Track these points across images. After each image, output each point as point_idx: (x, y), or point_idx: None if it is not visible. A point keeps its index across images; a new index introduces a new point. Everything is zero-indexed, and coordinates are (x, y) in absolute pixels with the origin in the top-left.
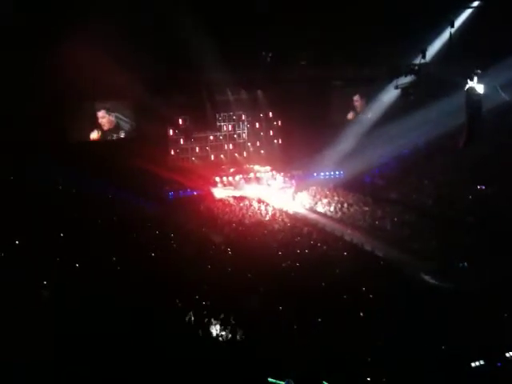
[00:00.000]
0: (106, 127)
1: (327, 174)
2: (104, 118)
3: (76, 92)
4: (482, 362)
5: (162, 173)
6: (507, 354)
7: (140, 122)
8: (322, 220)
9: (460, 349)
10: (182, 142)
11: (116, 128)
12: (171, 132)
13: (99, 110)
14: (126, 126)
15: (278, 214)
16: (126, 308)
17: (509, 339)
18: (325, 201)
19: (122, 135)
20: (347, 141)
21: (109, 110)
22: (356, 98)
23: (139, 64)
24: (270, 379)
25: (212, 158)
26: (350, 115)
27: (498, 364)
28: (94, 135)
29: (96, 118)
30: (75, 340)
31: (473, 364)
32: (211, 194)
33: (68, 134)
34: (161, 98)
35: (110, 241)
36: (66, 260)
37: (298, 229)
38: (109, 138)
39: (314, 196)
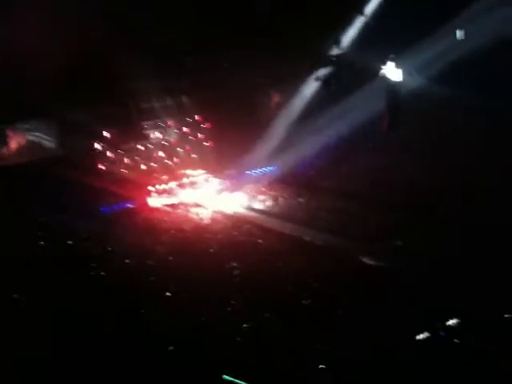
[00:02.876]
0: (26, 148)
1: (261, 170)
2: (24, 139)
3: None
4: (426, 334)
5: (92, 187)
6: (449, 322)
7: (65, 139)
8: (260, 216)
9: (402, 325)
10: (109, 154)
11: (38, 148)
12: (98, 146)
13: (19, 131)
14: (50, 145)
15: (216, 217)
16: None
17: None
18: (261, 197)
19: (46, 155)
20: (277, 136)
21: (29, 131)
22: (280, 93)
23: (59, 78)
24: (225, 377)
25: (143, 167)
26: (276, 110)
27: (442, 334)
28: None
29: (16, 141)
30: None
31: (417, 337)
32: (146, 204)
33: None
34: (84, 112)
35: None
36: None
37: (237, 228)
38: (32, 158)
39: (250, 194)
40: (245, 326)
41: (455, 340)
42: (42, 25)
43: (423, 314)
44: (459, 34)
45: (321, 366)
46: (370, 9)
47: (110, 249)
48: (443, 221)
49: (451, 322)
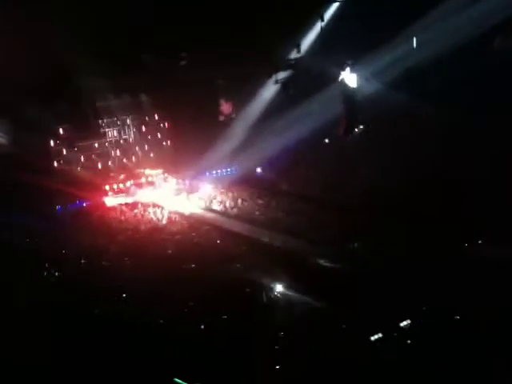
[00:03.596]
0: None
1: (220, 171)
2: None
3: None
4: (379, 335)
5: (47, 187)
6: (401, 324)
7: (17, 135)
8: (219, 218)
9: (358, 325)
10: (64, 152)
11: None
12: (52, 143)
13: None
14: (2, 142)
15: (174, 217)
16: None
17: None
18: (220, 198)
19: None
20: (236, 137)
21: None
22: (239, 94)
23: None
24: (176, 379)
25: (99, 166)
26: (236, 112)
27: (394, 334)
28: None
29: None
30: None
31: (372, 338)
32: (102, 204)
33: None
34: (39, 108)
35: None
36: None
37: (195, 229)
38: None
39: (209, 195)
40: (202, 327)
41: (408, 341)
42: None
43: (377, 316)
44: (415, 41)
45: (277, 366)
46: (329, 14)
47: (64, 251)
48: (398, 222)
49: (404, 323)
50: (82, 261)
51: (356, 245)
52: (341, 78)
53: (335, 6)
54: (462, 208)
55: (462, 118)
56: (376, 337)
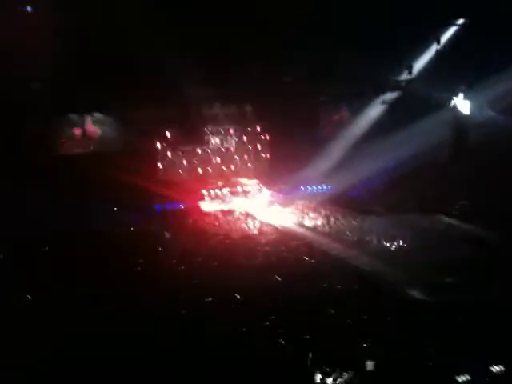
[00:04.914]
0: (92, 139)
1: (314, 188)
2: (91, 129)
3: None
4: (468, 377)
5: (150, 186)
6: (492, 369)
7: (127, 135)
8: (309, 234)
9: (446, 365)
10: (169, 155)
11: (102, 141)
12: (159, 145)
13: (86, 122)
14: (113, 139)
15: (264, 228)
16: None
17: (494, 353)
18: (312, 215)
19: (109, 148)
20: (334, 155)
21: (95, 123)
22: (342, 112)
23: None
24: None
25: (200, 171)
26: (337, 131)
27: (486, 379)
28: (79, 148)
29: (84, 131)
30: None
31: (459, 379)
32: (198, 208)
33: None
34: (148, 111)
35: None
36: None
37: (284, 243)
38: (95, 150)
39: (301, 210)
40: (279, 343)
41: None
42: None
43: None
44: None
45: None
46: (445, 37)
47: (159, 248)
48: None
49: (496, 368)
50: (174, 261)
51: (450, 279)
52: (453, 103)
53: (453, 29)
54: None
55: None
56: (463, 378)
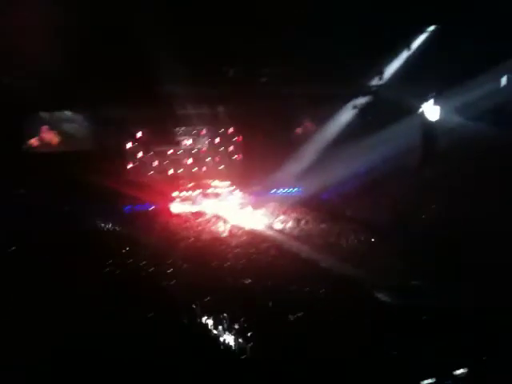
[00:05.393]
0: (60, 139)
1: (286, 190)
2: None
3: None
4: (431, 381)
5: (119, 187)
6: (456, 372)
7: (97, 135)
8: (280, 237)
9: (409, 367)
10: (140, 155)
11: (71, 140)
12: (130, 145)
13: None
14: (82, 139)
15: (235, 231)
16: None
17: (458, 357)
18: (282, 217)
19: (78, 147)
20: (306, 158)
21: (63, 122)
22: (315, 116)
23: (98, 76)
24: None
25: (171, 172)
26: (309, 133)
27: (448, 382)
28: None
29: (52, 129)
30: None
31: (422, 383)
32: (169, 209)
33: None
34: (119, 111)
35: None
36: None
37: (255, 245)
38: (64, 149)
39: (272, 212)
40: (249, 345)
41: None
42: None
43: (433, 359)
44: (504, 79)
45: None
46: (416, 44)
47: (127, 248)
48: (466, 260)
49: (459, 371)
50: (144, 262)
51: (415, 281)
52: (422, 109)
53: (424, 36)
54: None
55: None
56: (428, 381)
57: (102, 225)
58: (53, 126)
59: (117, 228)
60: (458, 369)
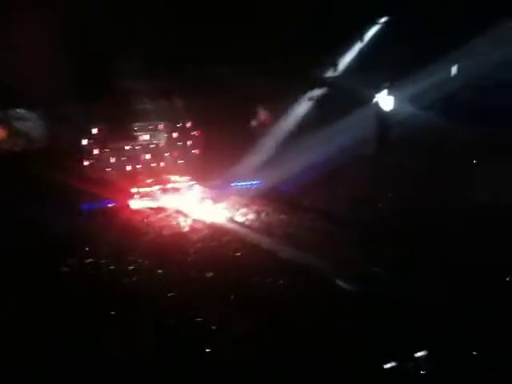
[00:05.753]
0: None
1: (245, 183)
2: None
3: None
4: (393, 364)
5: (75, 184)
6: (417, 355)
7: (52, 132)
8: (241, 229)
9: (372, 351)
10: (96, 151)
11: (25, 137)
12: (85, 141)
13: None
14: (37, 136)
15: (196, 225)
16: None
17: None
18: (243, 210)
19: (33, 145)
20: (264, 151)
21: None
22: (273, 109)
23: (51, 71)
24: None
25: (129, 168)
26: (266, 126)
27: (409, 365)
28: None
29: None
30: None
31: (385, 366)
32: (128, 206)
33: None
34: (74, 107)
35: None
36: None
37: (216, 239)
38: (16, 147)
39: (233, 206)
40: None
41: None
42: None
43: (393, 344)
44: (455, 69)
45: None
46: (368, 35)
47: (86, 248)
48: (421, 247)
49: (419, 354)
50: (103, 260)
51: (374, 268)
52: (376, 99)
53: (376, 27)
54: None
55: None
56: (389, 365)
57: (61, 223)
58: (5, 124)
59: (75, 226)
60: (419, 351)
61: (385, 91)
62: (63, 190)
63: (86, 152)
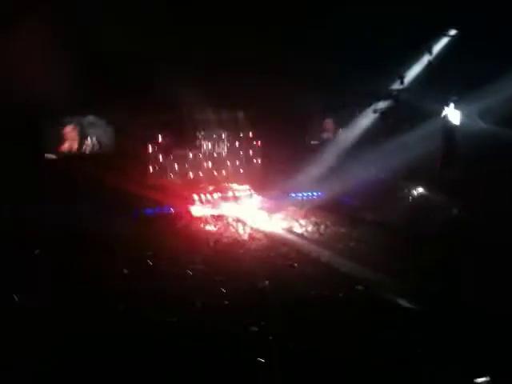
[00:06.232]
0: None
1: (305, 194)
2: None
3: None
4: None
5: (140, 190)
6: (478, 380)
7: (118, 138)
8: (300, 241)
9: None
10: (161, 159)
11: (94, 143)
12: (151, 149)
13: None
14: (105, 142)
15: (254, 234)
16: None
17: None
18: (302, 221)
19: (101, 151)
20: (326, 162)
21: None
22: (335, 120)
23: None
24: None
25: (191, 175)
26: (330, 137)
27: None
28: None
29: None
30: None
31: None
32: (189, 212)
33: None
34: (141, 116)
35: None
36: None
37: (274, 249)
38: (86, 153)
39: (292, 216)
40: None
41: None
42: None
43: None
44: None
45: None
46: (438, 48)
47: (150, 253)
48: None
49: (481, 380)
50: (165, 264)
51: (435, 287)
52: (444, 113)
53: (445, 40)
54: None
55: None
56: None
57: (124, 228)
58: (77, 131)
59: (137, 230)
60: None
61: (452, 105)
62: (127, 195)
63: (150, 158)
